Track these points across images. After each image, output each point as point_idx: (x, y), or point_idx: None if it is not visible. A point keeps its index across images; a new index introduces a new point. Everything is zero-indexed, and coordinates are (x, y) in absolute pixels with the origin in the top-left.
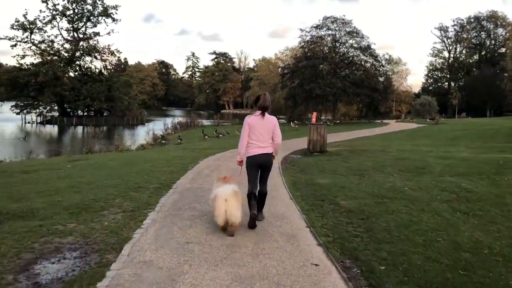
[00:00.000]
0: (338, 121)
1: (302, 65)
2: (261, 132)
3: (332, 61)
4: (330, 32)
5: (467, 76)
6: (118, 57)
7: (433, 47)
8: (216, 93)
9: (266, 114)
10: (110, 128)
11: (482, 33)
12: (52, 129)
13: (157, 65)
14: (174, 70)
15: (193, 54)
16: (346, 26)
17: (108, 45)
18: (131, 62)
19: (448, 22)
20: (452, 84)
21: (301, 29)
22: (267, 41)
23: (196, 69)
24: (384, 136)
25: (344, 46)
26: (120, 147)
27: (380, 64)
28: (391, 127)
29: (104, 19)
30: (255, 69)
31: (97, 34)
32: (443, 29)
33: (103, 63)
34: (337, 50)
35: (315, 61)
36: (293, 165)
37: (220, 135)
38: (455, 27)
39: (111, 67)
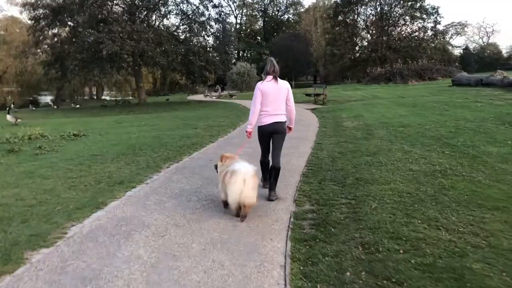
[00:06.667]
0: (78, 106)
1: (71, 1)
2: (276, 99)
3: None
4: None
5: (265, 43)
6: None
7: None
8: None
9: (278, 78)
10: None
11: None
12: None
13: None
14: None
15: None
16: None
17: None
18: None
19: None
20: (242, 53)
21: None
22: None
23: None
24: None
25: None
26: None
27: (205, 6)
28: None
29: None
30: None
31: None
32: None
33: None
34: None
35: None
36: None
37: None
38: None
39: None
